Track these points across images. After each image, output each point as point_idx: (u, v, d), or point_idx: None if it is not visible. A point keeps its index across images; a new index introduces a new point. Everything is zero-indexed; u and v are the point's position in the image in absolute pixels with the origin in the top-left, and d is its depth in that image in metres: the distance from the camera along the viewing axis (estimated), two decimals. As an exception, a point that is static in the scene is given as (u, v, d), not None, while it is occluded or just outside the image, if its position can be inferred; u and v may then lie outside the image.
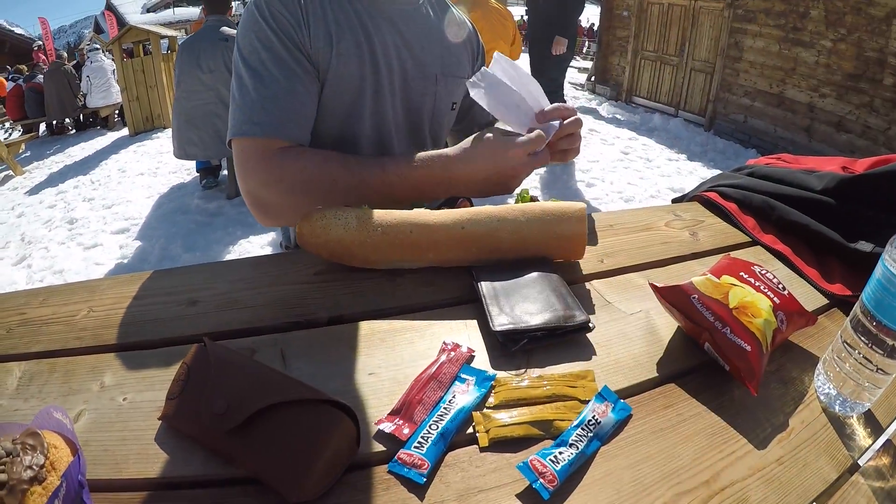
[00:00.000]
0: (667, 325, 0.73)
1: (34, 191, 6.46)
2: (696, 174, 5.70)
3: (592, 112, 8.92)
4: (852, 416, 0.63)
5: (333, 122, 1.09)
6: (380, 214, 0.81)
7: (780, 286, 0.72)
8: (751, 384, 0.59)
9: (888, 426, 0.62)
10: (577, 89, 11.10)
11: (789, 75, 6.82)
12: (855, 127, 6.10)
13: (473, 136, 1.03)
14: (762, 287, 0.70)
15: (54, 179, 6.80)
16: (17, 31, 22.89)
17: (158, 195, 5.42)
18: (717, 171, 5.65)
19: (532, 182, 5.17)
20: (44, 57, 13.75)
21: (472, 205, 0.99)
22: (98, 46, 10.01)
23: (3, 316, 0.81)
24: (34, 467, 0.46)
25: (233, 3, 4.85)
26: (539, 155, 1.01)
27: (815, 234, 0.97)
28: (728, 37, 7.62)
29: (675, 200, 1.32)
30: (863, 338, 0.59)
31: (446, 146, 1.20)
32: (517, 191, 1.02)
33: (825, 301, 0.85)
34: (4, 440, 0.48)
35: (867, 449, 0.59)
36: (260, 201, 1.02)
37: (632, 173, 5.62)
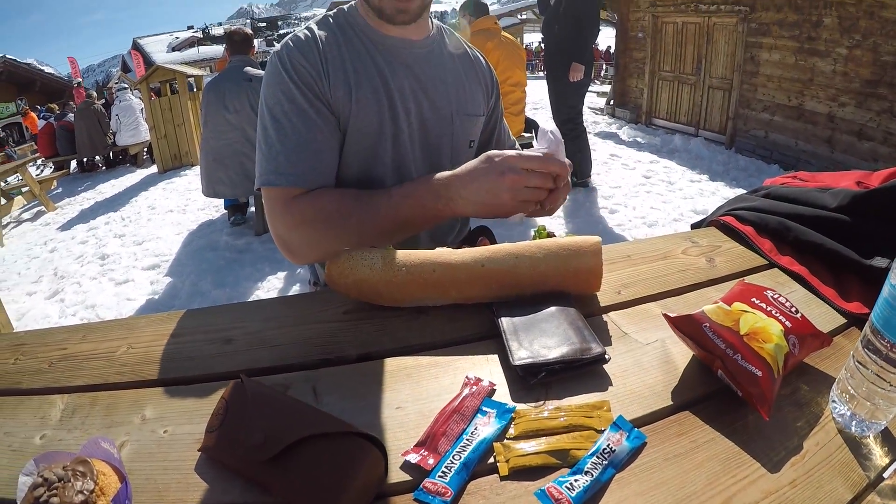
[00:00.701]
0: (682, 353, 0.75)
1: (66, 226, 6.68)
2: (718, 194, 5.67)
3: (613, 136, 8.94)
4: (868, 436, 0.63)
5: (356, 166, 1.16)
6: (404, 255, 0.86)
7: (793, 309, 0.74)
8: (762, 409, 0.61)
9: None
10: (596, 114, 11.14)
11: (807, 86, 6.78)
12: (876, 134, 6.03)
13: (482, 155, 1.02)
14: (774, 312, 0.72)
15: (86, 216, 7.02)
16: (48, 70, 23.68)
17: (188, 232, 5.55)
18: (740, 190, 5.69)
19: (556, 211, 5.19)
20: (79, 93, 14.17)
21: (491, 242, 1.03)
22: (126, 86, 10.33)
23: (44, 350, 0.86)
24: (84, 492, 0.51)
25: (255, 42, 5.01)
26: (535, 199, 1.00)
27: (831, 253, 0.98)
28: (744, 51, 7.62)
29: (694, 226, 1.34)
30: (874, 356, 0.60)
31: None
32: (534, 228, 1.04)
33: (843, 320, 0.86)
34: (55, 467, 0.53)
35: (884, 468, 0.60)
36: (287, 243, 1.10)
37: (654, 197, 5.60)
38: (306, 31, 1.13)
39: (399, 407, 0.68)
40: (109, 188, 8.59)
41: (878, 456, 0.61)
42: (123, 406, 0.71)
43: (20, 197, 7.99)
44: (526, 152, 1.00)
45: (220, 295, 3.96)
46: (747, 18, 7.48)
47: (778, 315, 0.71)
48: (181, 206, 6.65)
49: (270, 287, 4.02)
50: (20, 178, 8.01)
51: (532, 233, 0.98)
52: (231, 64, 4.72)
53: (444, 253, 0.87)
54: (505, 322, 0.79)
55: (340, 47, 1.12)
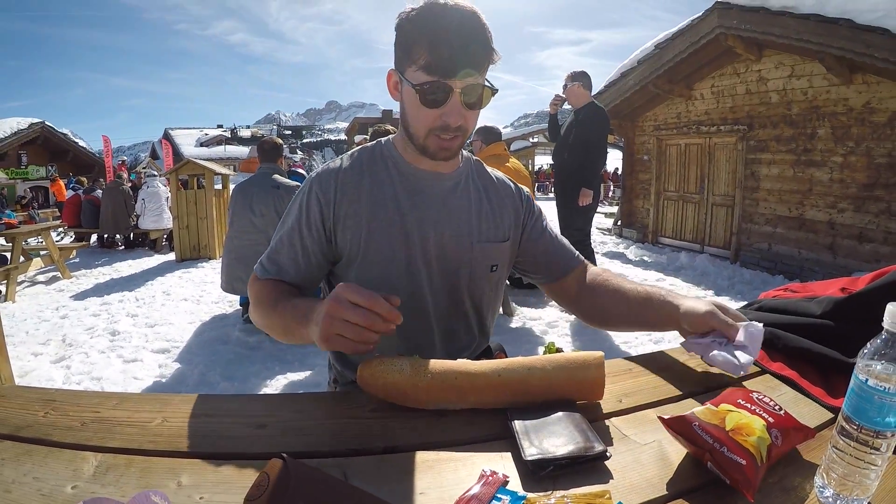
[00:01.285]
0: (676, 451, 0.83)
1: (80, 296, 6.76)
2: (723, 309, 5.74)
3: (620, 256, 9.18)
4: None
5: (370, 285, 1.25)
6: (429, 363, 0.97)
7: (777, 407, 0.84)
8: (748, 493, 0.69)
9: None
10: (604, 234, 11.46)
11: (806, 196, 7.08)
12: (877, 235, 6.24)
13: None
14: (757, 410, 0.82)
15: (100, 289, 7.12)
16: (81, 143, 24.25)
17: (200, 322, 5.59)
18: (745, 303, 5.62)
19: (563, 328, 5.26)
20: (121, 171, 14.53)
21: (505, 356, 1.11)
22: (156, 173, 10.72)
23: (76, 410, 0.91)
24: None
25: (284, 153, 5.29)
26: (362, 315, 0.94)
27: (817, 356, 1.09)
28: (744, 168, 8.00)
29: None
30: (847, 440, 0.70)
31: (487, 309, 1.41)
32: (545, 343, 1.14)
33: (831, 415, 0.95)
34: None
35: None
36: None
37: (660, 315, 5.67)
38: (337, 163, 1.32)
39: (422, 493, 0.74)
40: (126, 267, 8.77)
41: (862, 531, 0.68)
42: (159, 471, 0.75)
43: (39, 259, 8.15)
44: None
45: (228, 387, 3.96)
46: (746, 136, 7.89)
47: (761, 412, 0.81)
48: (196, 296, 6.73)
49: (278, 386, 4.01)
50: (41, 240, 8.18)
51: (541, 349, 1.08)
52: (260, 170, 4.98)
53: (464, 363, 0.98)
54: (517, 424, 0.88)
55: (363, 178, 1.27)
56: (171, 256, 9.58)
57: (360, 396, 1.01)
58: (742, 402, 0.83)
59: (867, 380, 0.68)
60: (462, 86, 1.11)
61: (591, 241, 5.96)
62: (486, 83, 1.16)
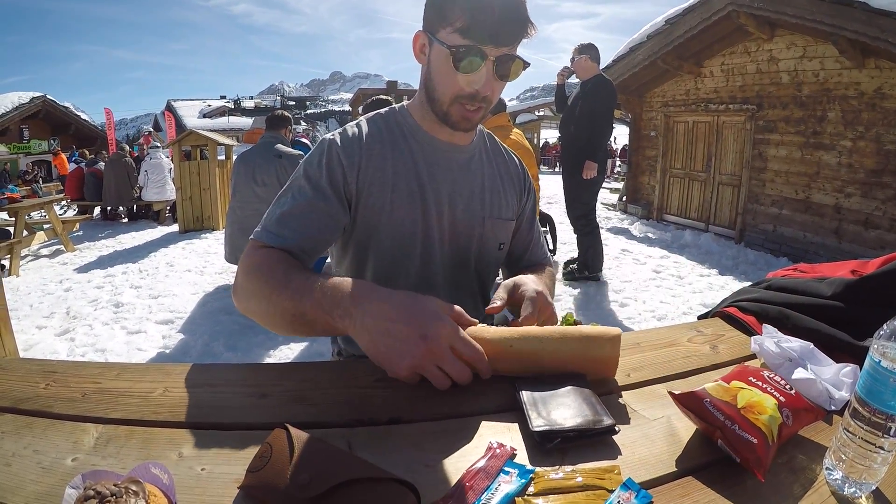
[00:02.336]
0: (686, 427, 0.82)
1: (83, 269, 6.82)
2: (727, 288, 5.76)
3: (625, 232, 9.17)
4: (861, 497, 0.69)
5: (385, 258, 1.24)
6: None
7: (788, 387, 0.82)
8: (759, 472, 0.68)
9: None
10: (609, 210, 11.46)
11: (814, 179, 7.04)
12: (882, 222, 6.22)
13: (424, 297, 0.92)
14: (769, 388, 0.80)
15: (104, 262, 7.18)
16: (83, 116, 24.18)
17: (204, 293, 5.64)
18: (749, 284, 5.61)
19: (567, 303, 5.26)
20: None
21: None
22: (159, 144, 10.69)
23: (77, 381, 0.91)
24: (137, 509, 0.54)
25: (291, 123, 5.24)
26: (460, 369, 0.87)
27: (827, 337, 1.06)
28: (752, 148, 7.94)
29: (700, 317, 1.42)
30: (860, 423, 0.68)
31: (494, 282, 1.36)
32: (562, 314, 1.10)
33: None
34: (106, 483, 0.55)
35: None
36: (235, 284, 1.13)
37: (664, 292, 5.71)
38: (356, 129, 1.24)
39: (428, 465, 0.73)
40: (130, 239, 8.81)
41: (870, 514, 0.67)
42: (160, 442, 0.74)
43: (42, 233, 8.20)
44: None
45: (231, 357, 4.00)
46: (755, 116, 7.81)
47: (772, 391, 0.80)
48: (200, 267, 6.79)
49: (282, 356, 4.05)
50: (44, 214, 8.20)
51: (559, 319, 1.05)
52: (263, 139, 4.97)
53: (480, 329, 0.96)
54: (525, 395, 0.86)
55: (384, 146, 1.22)
56: (175, 228, 9.60)
57: (364, 366, 0.98)
58: (753, 381, 0.82)
59: (881, 361, 0.66)
60: (497, 54, 1.08)
61: (597, 215, 5.92)
62: (519, 56, 1.12)
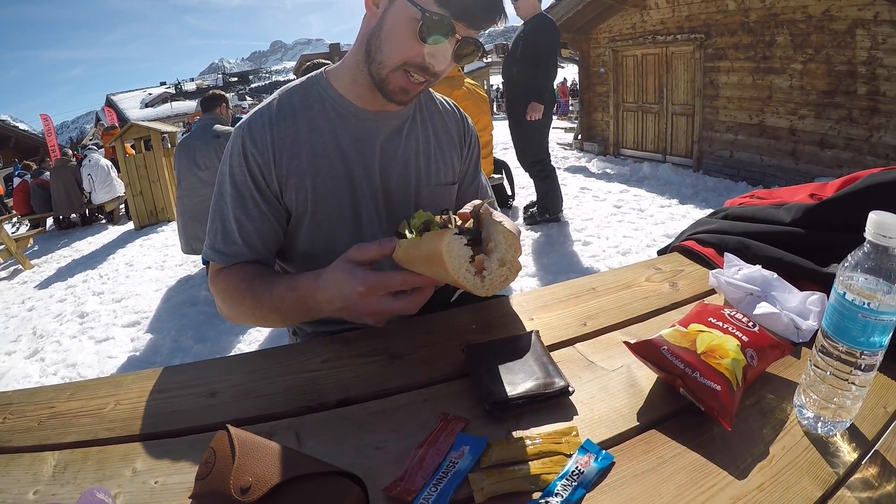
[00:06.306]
0: (646, 376, 0.79)
1: (43, 285, 6.58)
2: (689, 216, 5.78)
3: (583, 170, 9.11)
4: (835, 435, 0.67)
5: (319, 244, 1.16)
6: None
7: (751, 324, 0.79)
8: (724, 420, 0.65)
9: (875, 438, 0.66)
10: (565, 149, 11.37)
11: (767, 103, 7.03)
12: (838, 141, 6.26)
13: (336, 262, 0.94)
14: (730, 329, 0.77)
15: (63, 273, 6.94)
16: (22, 126, 23.46)
17: (167, 288, 5.50)
18: (710, 210, 5.72)
19: (526, 247, 5.22)
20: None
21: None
22: (92, 146, 10.29)
23: (33, 409, 0.87)
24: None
25: (226, 101, 5.07)
26: (407, 301, 0.89)
27: (789, 266, 1.03)
28: (703, 77, 7.89)
29: (659, 252, 1.39)
30: (829, 359, 0.65)
31: None
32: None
33: None
34: None
35: (852, 463, 0.63)
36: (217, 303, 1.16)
37: (626, 226, 5.70)
38: (265, 114, 1.12)
39: (378, 447, 0.70)
40: (86, 245, 8.53)
41: (846, 452, 0.65)
42: (114, 460, 0.73)
43: None
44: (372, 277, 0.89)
45: (202, 350, 3.92)
46: (703, 45, 7.76)
47: (734, 331, 0.76)
48: (159, 262, 6.60)
49: (252, 340, 3.98)
50: None
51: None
52: (200, 121, 4.80)
53: (384, 250, 0.89)
54: (474, 363, 0.83)
55: (299, 129, 1.11)
56: (130, 226, 9.29)
57: (312, 347, 0.97)
58: (713, 321, 0.78)
59: (846, 294, 0.62)
60: (465, 33, 1.00)
61: (552, 156, 5.83)
62: (481, 44, 1.03)
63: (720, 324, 0.78)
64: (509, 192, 6.73)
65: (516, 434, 0.69)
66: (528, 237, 5.50)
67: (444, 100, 1.33)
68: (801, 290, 0.95)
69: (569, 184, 7.66)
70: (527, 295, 1.15)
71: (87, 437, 0.79)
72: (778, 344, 0.77)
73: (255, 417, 0.80)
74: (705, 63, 7.83)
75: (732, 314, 0.80)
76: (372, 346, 0.97)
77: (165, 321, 4.61)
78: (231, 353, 3.81)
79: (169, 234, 8.01)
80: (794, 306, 0.88)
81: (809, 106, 6.52)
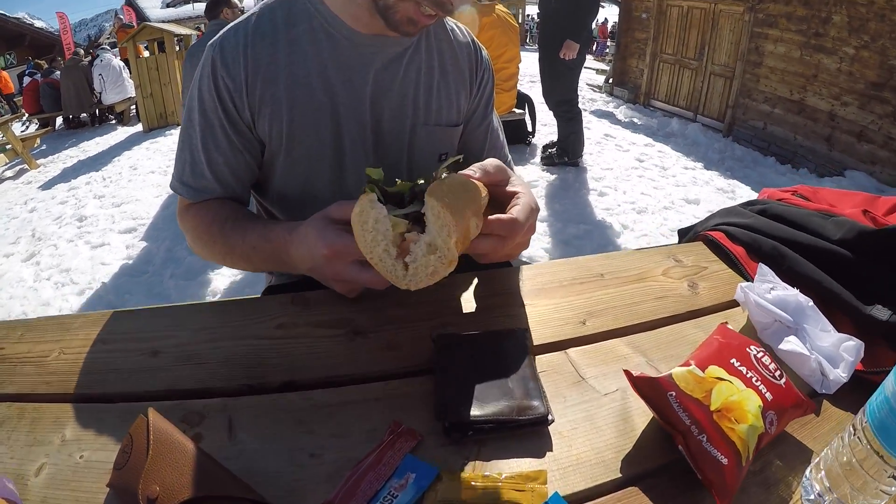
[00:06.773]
0: (642, 411, 0.66)
1: (47, 185, 6.62)
2: (712, 184, 5.57)
3: (609, 116, 8.77)
4: None
5: (295, 185, 1.05)
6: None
7: (778, 373, 0.64)
8: (722, 500, 0.52)
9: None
10: (594, 91, 10.98)
11: (810, 82, 6.66)
12: (877, 137, 5.93)
13: (313, 216, 0.83)
14: (754, 379, 0.63)
15: (67, 175, 6.96)
16: (38, 24, 23.41)
17: (167, 194, 5.48)
18: (735, 181, 5.65)
19: (539, 190, 5.06)
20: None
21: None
22: (106, 45, 10.21)
23: None
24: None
25: (230, 4, 4.78)
26: (373, 274, 0.73)
27: (826, 292, 0.88)
28: (748, 41, 7.47)
29: (681, 232, 1.25)
30: (862, 459, 0.51)
31: None
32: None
33: None
34: None
35: None
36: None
37: (646, 182, 5.48)
38: (240, 33, 0.97)
39: (314, 454, 0.61)
40: (94, 146, 8.50)
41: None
42: (47, 422, 0.68)
43: (2, 154, 7.91)
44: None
45: (195, 262, 3.89)
46: (755, 8, 7.32)
47: (758, 383, 0.62)
48: (163, 167, 6.58)
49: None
50: (2, 135, 7.85)
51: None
52: (207, 30, 4.67)
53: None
54: (442, 361, 0.71)
55: (277, 50, 0.95)
56: (139, 127, 9.25)
57: (268, 306, 0.89)
58: (736, 365, 0.64)
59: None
60: None
61: (580, 98, 5.56)
62: None
63: (743, 370, 0.63)
64: (530, 129, 6.49)
65: (472, 468, 0.58)
66: (544, 178, 5.35)
67: (458, 26, 1.15)
68: (833, 321, 0.81)
69: (593, 128, 7.40)
70: (528, 270, 1.00)
71: (27, 391, 0.74)
72: (802, 402, 0.63)
73: (190, 392, 0.72)
74: (753, 27, 7.38)
75: (760, 356, 0.65)
76: (335, 314, 0.86)
77: (161, 230, 4.63)
78: (216, 272, 3.82)
79: (176, 139, 7.95)
80: (826, 348, 0.74)
81: (855, 94, 6.14)
